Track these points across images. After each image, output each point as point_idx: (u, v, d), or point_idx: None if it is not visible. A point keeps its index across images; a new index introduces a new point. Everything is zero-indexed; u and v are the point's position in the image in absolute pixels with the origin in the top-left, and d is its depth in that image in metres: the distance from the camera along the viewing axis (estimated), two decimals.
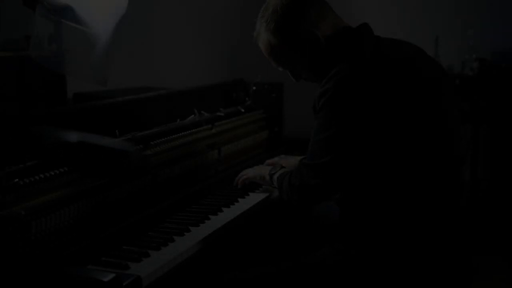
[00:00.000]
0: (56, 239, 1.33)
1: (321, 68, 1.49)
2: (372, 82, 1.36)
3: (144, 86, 2.49)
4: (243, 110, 2.37)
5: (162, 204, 1.65)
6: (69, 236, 1.36)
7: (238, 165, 2.17)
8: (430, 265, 1.38)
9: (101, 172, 1.18)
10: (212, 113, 2.14)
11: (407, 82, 1.38)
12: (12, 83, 2.06)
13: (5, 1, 2.14)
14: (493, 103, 3.39)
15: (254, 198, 1.85)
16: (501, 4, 3.77)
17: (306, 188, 1.49)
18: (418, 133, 1.37)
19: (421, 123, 1.37)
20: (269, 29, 1.53)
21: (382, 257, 1.39)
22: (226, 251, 1.62)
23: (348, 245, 1.46)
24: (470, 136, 3.58)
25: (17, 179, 1.24)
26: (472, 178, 3.60)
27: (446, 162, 1.40)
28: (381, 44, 1.46)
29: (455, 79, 3.39)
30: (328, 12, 1.53)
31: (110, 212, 1.49)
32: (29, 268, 1.17)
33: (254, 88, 2.53)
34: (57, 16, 1.97)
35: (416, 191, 1.38)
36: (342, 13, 1.59)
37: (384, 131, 1.35)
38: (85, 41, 2.00)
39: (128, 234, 1.47)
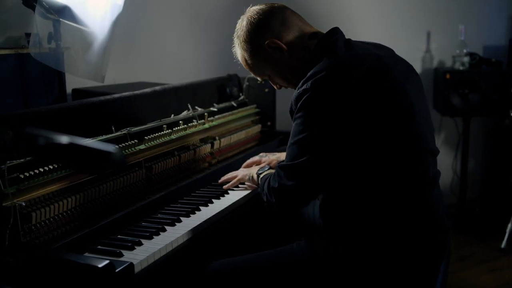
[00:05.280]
0: (55, 229, 1.42)
1: (291, 74, 1.58)
2: (347, 83, 1.40)
3: (140, 82, 2.57)
4: (236, 105, 2.44)
5: (156, 196, 1.74)
6: (67, 226, 1.45)
7: (231, 158, 2.25)
8: (404, 257, 1.44)
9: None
10: (206, 108, 2.21)
11: (378, 82, 1.43)
12: (13, 79, 2.14)
13: (6, 1, 2.21)
14: (484, 97, 3.44)
15: (243, 191, 1.93)
16: None
17: (283, 189, 1.50)
18: (388, 131, 1.42)
19: (390, 120, 1.42)
20: (239, 44, 1.66)
21: (355, 249, 1.46)
22: (214, 241, 1.69)
23: (323, 238, 1.52)
24: (461, 129, 3.65)
25: (18, 173, 1.32)
26: (462, 170, 3.67)
27: (415, 156, 1.45)
28: (352, 46, 1.51)
29: (446, 73, 3.45)
30: (293, 20, 1.60)
31: (106, 203, 1.58)
32: (30, 255, 1.26)
33: (247, 83, 2.60)
34: (56, 15, 2.05)
35: (387, 185, 1.43)
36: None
37: (357, 131, 1.40)
38: (83, 39, 2.08)
39: (123, 224, 1.55)
